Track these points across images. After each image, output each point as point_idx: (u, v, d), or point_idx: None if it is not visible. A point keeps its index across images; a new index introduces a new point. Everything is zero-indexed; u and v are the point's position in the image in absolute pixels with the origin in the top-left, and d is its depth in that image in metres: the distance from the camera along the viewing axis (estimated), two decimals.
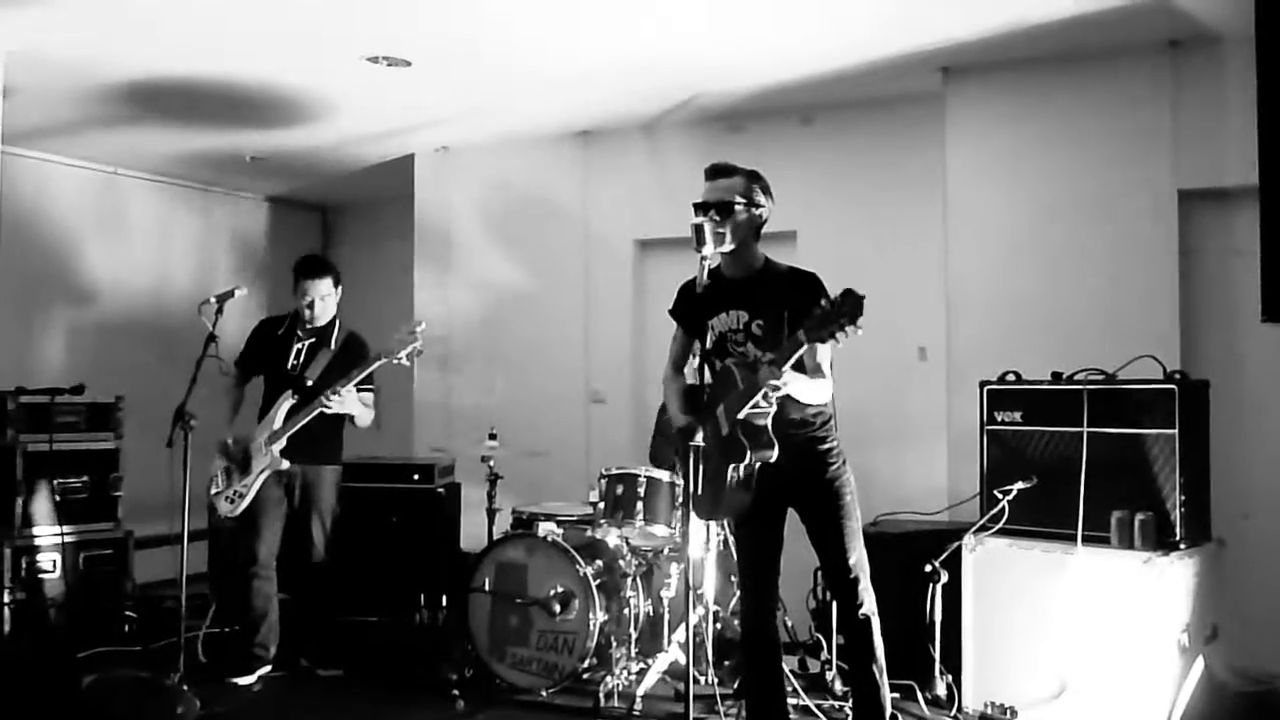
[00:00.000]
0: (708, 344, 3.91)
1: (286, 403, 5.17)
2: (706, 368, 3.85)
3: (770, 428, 3.63)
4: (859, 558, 3.85)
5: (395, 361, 4.96)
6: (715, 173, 3.91)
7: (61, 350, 7.58)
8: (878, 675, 3.84)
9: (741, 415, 3.60)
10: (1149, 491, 4.32)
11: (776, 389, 3.49)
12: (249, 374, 5.45)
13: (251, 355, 5.47)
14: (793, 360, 3.48)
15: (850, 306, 3.24)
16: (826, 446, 3.90)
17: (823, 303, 3.30)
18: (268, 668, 5.23)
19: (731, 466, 3.65)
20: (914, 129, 6.13)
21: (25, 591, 5.61)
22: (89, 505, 5.95)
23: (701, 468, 3.71)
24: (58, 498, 5.80)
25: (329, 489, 5.35)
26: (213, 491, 5.27)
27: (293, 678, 5.26)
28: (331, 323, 5.40)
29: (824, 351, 3.72)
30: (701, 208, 3.80)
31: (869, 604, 3.85)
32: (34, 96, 6.00)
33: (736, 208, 3.81)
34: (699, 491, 3.72)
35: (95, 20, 4.97)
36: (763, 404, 3.59)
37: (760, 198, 3.88)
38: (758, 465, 3.65)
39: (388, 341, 5.01)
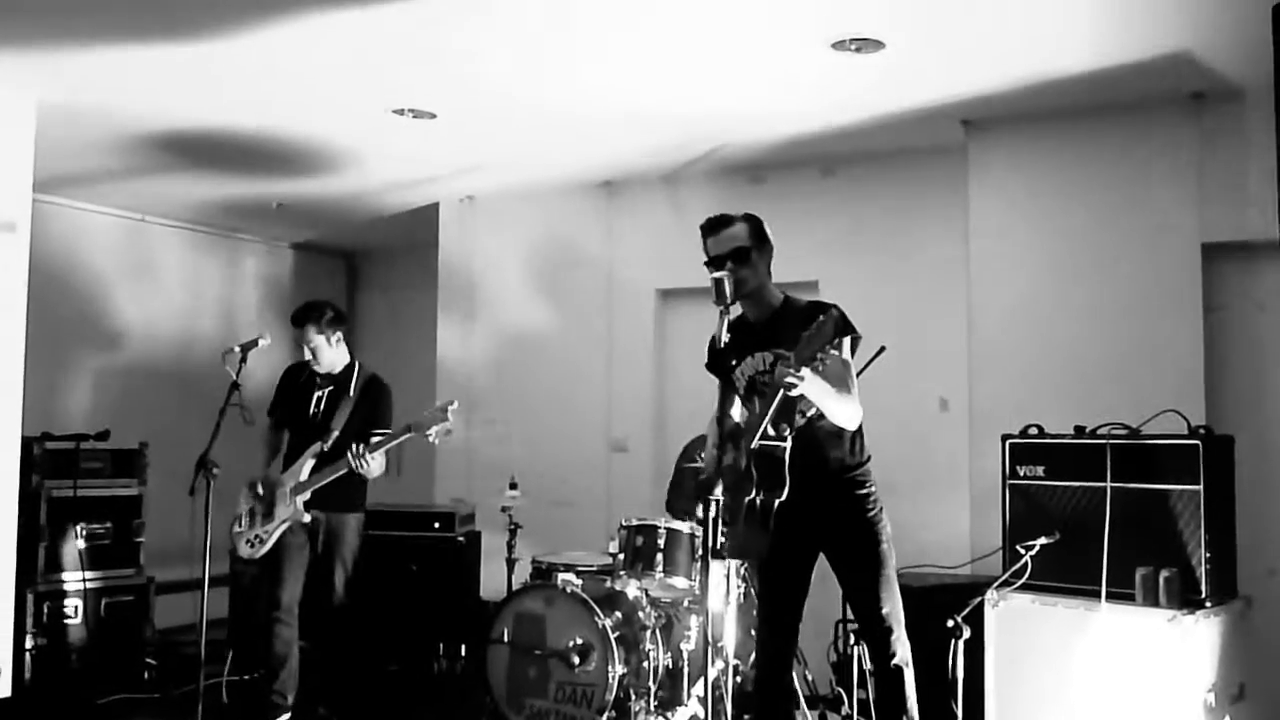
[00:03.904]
0: (741, 390, 3.91)
1: (312, 458, 5.18)
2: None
3: (786, 464, 3.59)
4: (893, 607, 3.82)
5: (426, 437, 4.95)
6: (716, 226, 3.92)
7: (88, 395, 7.65)
8: None
9: (754, 445, 3.59)
10: (1174, 548, 4.26)
11: (793, 385, 3.39)
12: (282, 423, 5.48)
13: (279, 403, 5.51)
14: (777, 403, 3.50)
15: (831, 328, 3.31)
16: (864, 491, 3.87)
17: (812, 326, 3.35)
18: (286, 716, 5.21)
19: (746, 502, 3.62)
20: (936, 181, 6.14)
21: (47, 637, 5.63)
22: (112, 551, 5.98)
23: (726, 506, 3.70)
24: (81, 543, 5.83)
25: (352, 534, 5.34)
26: (235, 530, 5.30)
27: None
28: (349, 368, 5.42)
29: (847, 375, 3.72)
30: (715, 262, 3.82)
31: (902, 654, 3.82)
32: (65, 145, 6.10)
33: (752, 254, 3.85)
34: (724, 533, 3.70)
35: (125, 73, 5.06)
36: (771, 433, 3.58)
37: (765, 237, 3.94)
38: (774, 504, 3.61)
39: (420, 415, 4.99)
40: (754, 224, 3.94)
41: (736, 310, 3.81)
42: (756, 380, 3.88)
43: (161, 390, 7.79)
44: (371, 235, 8.93)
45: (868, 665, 4.54)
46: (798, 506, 3.66)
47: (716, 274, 3.67)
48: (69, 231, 7.52)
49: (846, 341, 3.62)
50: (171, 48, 4.72)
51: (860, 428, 3.88)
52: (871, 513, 3.86)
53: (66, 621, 5.72)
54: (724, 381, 4.02)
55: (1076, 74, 4.97)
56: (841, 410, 3.69)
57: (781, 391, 3.46)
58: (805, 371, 3.38)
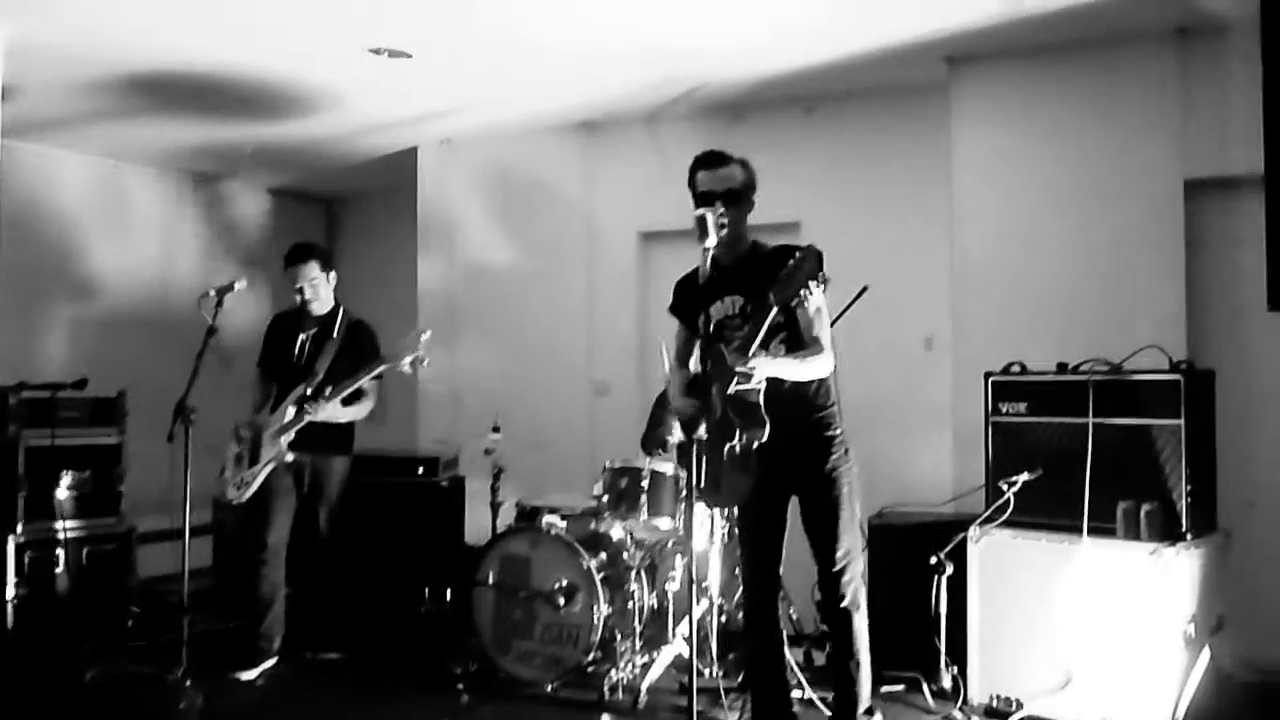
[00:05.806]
0: (703, 333, 3.89)
1: (295, 402, 5.18)
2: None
3: (762, 405, 3.59)
4: (848, 550, 3.82)
5: (398, 369, 5.02)
6: (714, 161, 3.90)
7: (64, 344, 7.55)
8: (854, 670, 3.83)
9: (730, 391, 3.59)
10: (1155, 482, 4.29)
11: (747, 376, 3.47)
12: (271, 373, 5.46)
13: (267, 352, 5.51)
14: (763, 332, 3.48)
15: (811, 264, 3.29)
16: (830, 434, 3.88)
17: (789, 263, 3.35)
18: (272, 660, 5.23)
19: (727, 448, 3.63)
20: (919, 119, 6.08)
21: (29, 586, 5.58)
22: (92, 500, 5.91)
23: (704, 456, 3.70)
24: (62, 493, 5.79)
25: (338, 477, 5.36)
26: (222, 476, 5.30)
27: (297, 671, 5.25)
28: (334, 311, 5.41)
29: (819, 324, 3.72)
30: (705, 198, 3.79)
31: (851, 597, 3.82)
32: (35, 88, 5.99)
33: (743, 197, 3.85)
34: (702, 481, 3.70)
35: (94, 11, 4.95)
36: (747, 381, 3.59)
37: (754, 185, 3.93)
38: (754, 446, 3.61)
39: (393, 347, 5.06)
40: (749, 170, 3.93)
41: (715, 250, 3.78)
42: (725, 324, 3.87)
43: (139, 338, 7.70)
44: (351, 180, 8.82)
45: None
46: (773, 448, 3.65)
47: (699, 211, 3.65)
48: (40, 177, 7.38)
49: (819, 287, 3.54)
50: None
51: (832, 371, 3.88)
52: (835, 455, 3.86)
53: (48, 570, 5.68)
54: (687, 324, 4.03)
55: (1060, 8, 4.92)
56: (807, 372, 3.74)
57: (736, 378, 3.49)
58: (755, 362, 3.45)
